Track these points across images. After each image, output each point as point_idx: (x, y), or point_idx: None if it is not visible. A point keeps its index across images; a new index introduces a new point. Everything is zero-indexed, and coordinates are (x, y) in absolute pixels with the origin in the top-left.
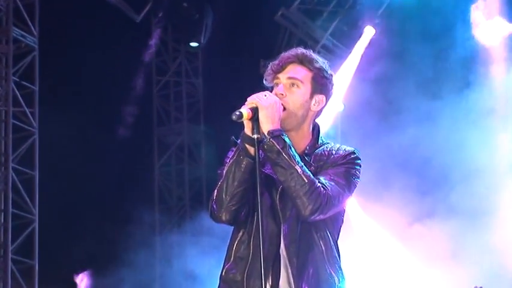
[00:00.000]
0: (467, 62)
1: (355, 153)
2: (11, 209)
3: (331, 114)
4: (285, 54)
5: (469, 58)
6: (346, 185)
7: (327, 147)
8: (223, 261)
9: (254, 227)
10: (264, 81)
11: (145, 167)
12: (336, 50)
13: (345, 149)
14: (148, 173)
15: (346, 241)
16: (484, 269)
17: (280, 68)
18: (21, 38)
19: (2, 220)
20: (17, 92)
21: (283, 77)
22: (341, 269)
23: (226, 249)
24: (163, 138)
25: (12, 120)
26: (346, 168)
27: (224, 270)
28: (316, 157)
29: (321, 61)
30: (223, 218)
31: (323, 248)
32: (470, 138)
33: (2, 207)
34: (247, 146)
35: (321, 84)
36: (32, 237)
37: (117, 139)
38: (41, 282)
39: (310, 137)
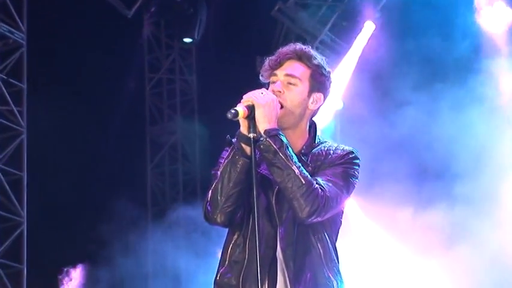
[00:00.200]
0: (471, 50)
1: (353, 153)
2: None
3: (329, 112)
4: (283, 50)
5: (472, 46)
6: (344, 186)
7: (324, 147)
8: (217, 265)
9: (250, 229)
10: (260, 77)
11: (138, 167)
12: (335, 46)
13: (343, 149)
14: (141, 174)
15: (345, 243)
16: (485, 259)
17: (278, 64)
18: (8, 34)
19: None
20: (4, 89)
21: (280, 73)
22: (340, 272)
23: (220, 252)
24: (156, 138)
25: (0, 119)
26: (344, 169)
27: (219, 275)
28: (313, 157)
29: (319, 58)
30: (218, 220)
31: (321, 251)
32: (473, 128)
33: None
34: (243, 145)
35: (319, 82)
36: (20, 241)
37: (108, 139)
38: (30, 287)
39: (307, 135)
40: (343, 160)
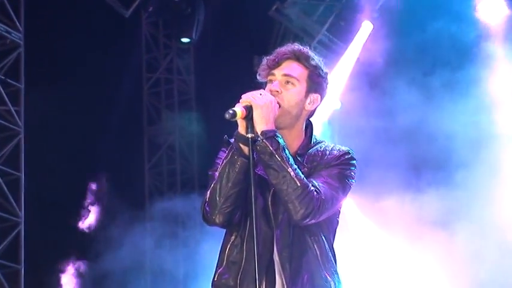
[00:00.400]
0: (469, 41)
1: (349, 154)
2: None
3: (327, 112)
4: (281, 50)
5: (471, 37)
6: (340, 187)
7: (320, 147)
8: (215, 266)
9: (247, 230)
10: (258, 77)
11: (135, 167)
12: (333, 46)
13: (339, 149)
14: (138, 174)
15: (342, 241)
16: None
17: (276, 64)
18: (6, 34)
19: None
20: (1, 89)
21: (278, 73)
22: (337, 273)
23: (218, 252)
24: (154, 138)
25: None
26: (340, 170)
27: (216, 275)
28: (309, 157)
29: (316, 59)
30: (217, 220)
31: (317, 252)
32: (473, 120)
33: None
34: (241, 145)
35: (317, 83)
36: (17, 241)
37: (105, 139)
38: (27, 287)
39: (303, 136)
40: (339, 161)
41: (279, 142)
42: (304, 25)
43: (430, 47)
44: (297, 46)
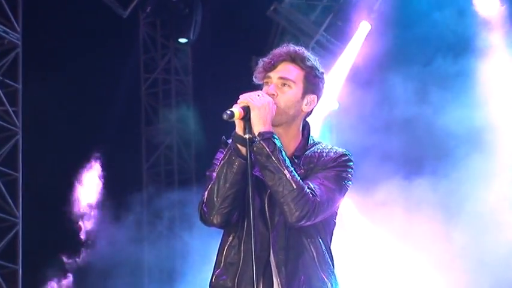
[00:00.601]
0: (467, 34)
1: (346, 155)
2: None
3: (325, 113)
4: (276, 52)
5: (468, 29)
6: (337, 189)
7: (317, 149)
8: (212, 267)
9: (245, 231)
10: (254, 79)
11: (133, 168)
12: (330, 46)
13: (336, 151)
14: (136, 174)
15: (339, 241)
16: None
17: (272, 67)
18: (3, 35)
19: None
20: None
21: (274, 76)
22: (334, 274)
23: (216, 254)
24: (152, 138)
25: None
26: (337, 172)
27: (214, 276)
28: (306, 159)
29: (312, 59)
30: (215, 221)
31: (314, 254)
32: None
33: None
34: (238, 146)
35: (313, 83)
36: (15, 241)
37: (103, 139)
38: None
39: (300, 137)
40: (335, 163)
41: (275, 144)
42: (302, 25)
43: (426, 41)
44: (292, 47)
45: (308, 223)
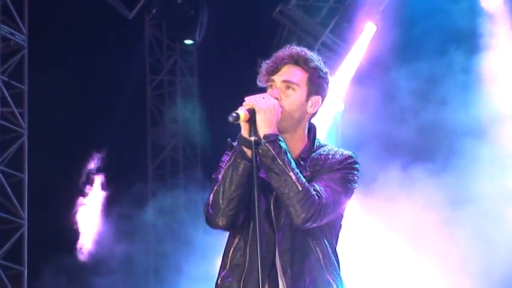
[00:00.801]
0: (474, 30)
1: (352, 158)
2: None
3: (330, 114)
4: (279, 54)
5: (475, 25)
6: (342, 191)
7: (323, 151)
8: (218, 269)
9: (250, 233)
10: (258, 82)
11: (138, 170)
12: (336, 48)
13: (341, 153)
14: (142, 176)
15: (345, 244)
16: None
17: (275, 70)
18: (9, 36)
19: None
20: (5, 91)
21: (278, 79)
22: (340, 276)
23: (221, 256)
24: (157, 140)
25: (1, 121)
26: (343, 174)
27: (220, 278)
28: (312, 161)
29: (316, 59)
30: (220, 223)
31: (320, 256)
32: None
33: None
34: (244, 148)
35: (317, 84)
36: (20, 242)
37: (108, 141)
38: None
39: (306, 139)
40: (341, 165)
41: (281, 146)
42: (308, 27)
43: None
44: (295, 49)
45: (314, 225)
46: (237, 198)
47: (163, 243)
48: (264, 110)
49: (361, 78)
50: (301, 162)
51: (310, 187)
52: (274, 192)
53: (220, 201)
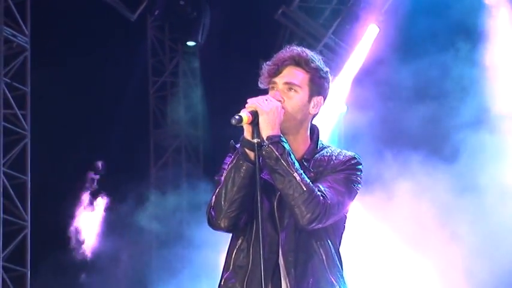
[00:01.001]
0: (476, 23)
1: (355, 159)
2: (2, 215)
3: (333, 116)
4: (279, 56)
5: (476, 18)
6: (346, 192)
7: (326, 152)
8: (221, 270)
9: (253, 234)
10: (260, 84)
11: (141, 171)
12: (339, 49)
13: (345, 154)
14: (145, 177)
15: (348, 245)
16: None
17: (277, 72)
18: (12, 38)
19: None
20: (8, 93)
21: (279, 81)
22: (343, 277)
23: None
24: (160, 142)
25: (3, 123)
26: (346, 175)
27: (223, 280)
28: (315, 163)
29: (316, 59)
30: (222, 225)
31: (323, 257)
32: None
33: None
34: (246, 150)
35: (319, 85)
36: (23, 244)
37: (111, 143)
38: None
39: (309, 141)
40: (345, 166)
41: (284, 147)
42: (310, 28)
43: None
44: (295, 50)
45: (319, 225)
46: (239, 200)
47: (165, 245)
48: (266, 112)
49: (364, 79)
50: (305, 164)
51: (314, 187)
52: (278, 194)
53: (222, 203)
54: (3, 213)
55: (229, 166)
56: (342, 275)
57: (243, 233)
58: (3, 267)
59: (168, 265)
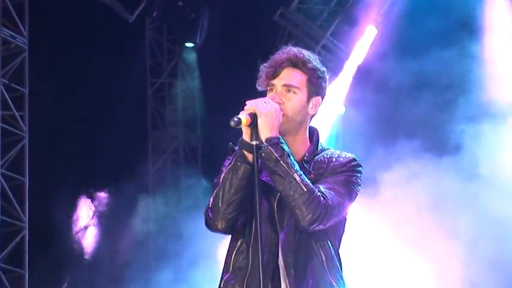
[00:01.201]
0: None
1: (355, 161)
2: (0, 216)
3: (331, 117)
4: (277, 58)
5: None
6: (347, 193)
7: (326, 154)
8: (221, 272)
9: (252, 235)
10: (258, 86)
11: (139, 172)
12: (337, 51)
13: (345, 156)
14: (143, 179)
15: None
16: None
17: (275, 74)
18: (10, 39)
19: None
20: (6, 94)
21: (278, 83)
22: (342, 279)
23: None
24: (158, 143)
25: (1, 124)
26: (347, 176)
27: (222, 281)
28: (315, 164)
29: (313, 59)
30: (219, 226)
31: (323, 258)
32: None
33: None
34: (245, 152)
35: (317, 85)
36: (21, 246)
37: (109, 144)
38: None
39: (308, 142)
40: (345, 168)
41: (283, 149)
42: (309, 30)
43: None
44: (292, 51)
45: (320, 226)
46: (237, 202)
47: (164, 247)
48: (265, 114)
49: (362, 80)
50: (305, 165)
51: (315, 188)
52: (278, 195)
53: (220, 205)
54: (1, 214)
55: (227, 168)
56: (341, 276)
57: (242, 235)
58: (1, 269)
59: (167, 265)
